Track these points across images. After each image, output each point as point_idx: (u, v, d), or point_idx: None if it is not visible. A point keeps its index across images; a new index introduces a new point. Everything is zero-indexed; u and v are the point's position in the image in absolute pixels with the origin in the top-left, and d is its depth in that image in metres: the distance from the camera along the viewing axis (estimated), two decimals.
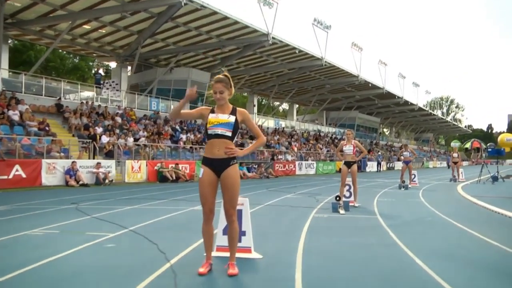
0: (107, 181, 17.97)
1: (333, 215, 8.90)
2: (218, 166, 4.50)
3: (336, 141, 46.23)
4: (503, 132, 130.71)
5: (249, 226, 5.29)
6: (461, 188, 16.91)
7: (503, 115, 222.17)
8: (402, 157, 18.32)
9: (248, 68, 38.05)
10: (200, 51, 32.65)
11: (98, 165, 18.14)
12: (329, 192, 14.40)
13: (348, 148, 10.49)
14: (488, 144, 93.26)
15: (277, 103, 76.76)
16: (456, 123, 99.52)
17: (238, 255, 4.90)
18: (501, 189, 17.51)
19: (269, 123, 44.00)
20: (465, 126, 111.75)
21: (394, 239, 6.33)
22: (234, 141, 4.56)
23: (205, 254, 4.59)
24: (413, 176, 18.69)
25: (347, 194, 10.73)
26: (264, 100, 61.39)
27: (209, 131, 4.49)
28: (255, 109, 45.03)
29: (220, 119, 4.47)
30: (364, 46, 48.32)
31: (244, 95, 58.02)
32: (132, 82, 34.56)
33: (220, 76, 4.63)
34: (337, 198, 9.62)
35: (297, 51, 34.02)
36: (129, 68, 33.63)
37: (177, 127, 28.87)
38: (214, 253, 5.14)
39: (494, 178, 22.12)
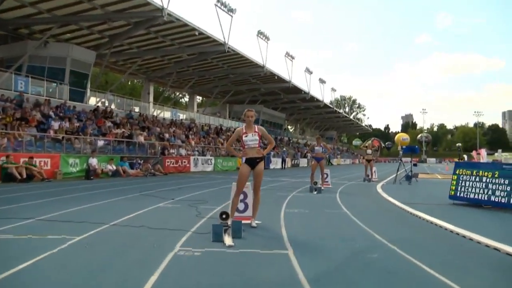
0: None
1: (211, 249, 5.10)
2: None
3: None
4: (399, 132, 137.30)
5: None
6: (382, 190, 14.07)
7: (398, 117, 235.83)
8: (312, 153, 15.05)
9: (142, 50, 33.25)
10: (83, 24, 27.35)
11: None
12: (220, 198, 10.62)
13: (251, 139, 6.67)
14: (386, 143, 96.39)
15: (179, 94, 72.38)
16: (358, 122, 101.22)
17: None
18: (422, 190, 15.20)
19: (165, 113, 39.51)
20: (366, 125, 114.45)
21: None
22: None
23: None
24: (325, 176, 15.58)
25: (241, 206, 7.05)
26: (166, 91, 56.34)
27: None
28: (151, 97, 40.20)
29: None
30: (272, 36, 45.58)
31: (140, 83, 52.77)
32: None
33: None
34: (223, 216, 5.86)
35: (196, 33, 29.90)
36: None
37: (51, 113, 23.63)
38: None
39: (408, 178, 19.99)
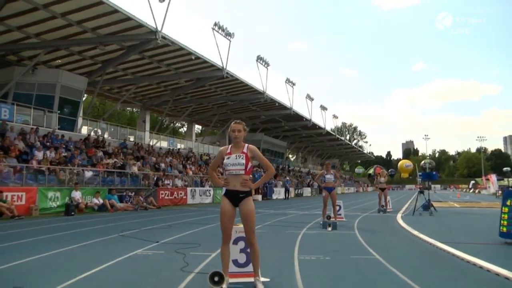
0: None
1: None
2: None
3: None
4: (400, 159, 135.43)
5: None
6: (407, 224, 12.01)
7: (398, 144, 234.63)
8: (322, 182, 13.06)
9: (137, 76, 31.62)
10: (74, 49, 25.75)
11: None
12: (217, 238, 8.60)
13: (234, 162, 4.75)
14: (389, 170, 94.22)
15: (176, 123, 70.72)
16: (360, 149, 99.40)
17: None
18: (453, 224, 13.20)
19: (162, 143, 37.65)
20: (368, 153, 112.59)
21: None
22: None
23: None
24: (337, 208, 13.57)
25: (242, 258, 5.07)
26: (163, 120, 54.51)
27: None
28: (147, 126, 38.41)
29: None
30: (271, 62, 44.21)
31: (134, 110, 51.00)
32: None
33: None
34: (215, 279, 3.91)
35: (193, 57, 28.31)
36: None
37: (37, 142, 21.77)
38: None
39: (425, 208, 18.10)
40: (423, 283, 4.99)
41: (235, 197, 4.74)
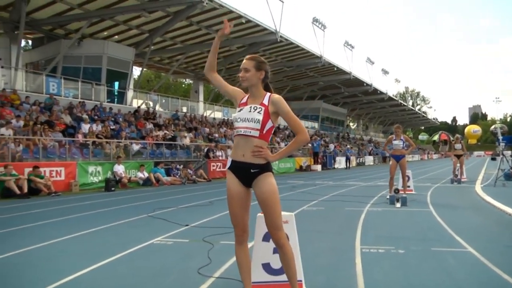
0: None
1: None
2: None
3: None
4: (467, 125, 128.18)
5: None
6: (491, 198, 9.91)
7: (464, 108, 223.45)
8: (389, 149, 11.14)
9: (187, 45, 30.36)
10: (119, 19, 24.73)
11: None
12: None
13: (245, 116, 3.12)
14: (455, 136, 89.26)
15: None
16: (424, 115, 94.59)
17: None
18: None
19: (216, 114, 36.51)
20: (433, 119, 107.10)
21: None
22: None
23: None
24: (407, 178, 11.56)
25: (276, 261, 3.48)
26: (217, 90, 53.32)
27: None
28: (201, 96, 37.39)
29: None
30: (328, 24, 41.66)
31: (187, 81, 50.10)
32: (33, 59, 26.61)
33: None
34: None
35: (243, 21, 26.51)
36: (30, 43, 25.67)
37: (85, 116, 21.05)
38: None
39: (507, 177, 15.76)
40: None
41: (245, 174, 3.06)
